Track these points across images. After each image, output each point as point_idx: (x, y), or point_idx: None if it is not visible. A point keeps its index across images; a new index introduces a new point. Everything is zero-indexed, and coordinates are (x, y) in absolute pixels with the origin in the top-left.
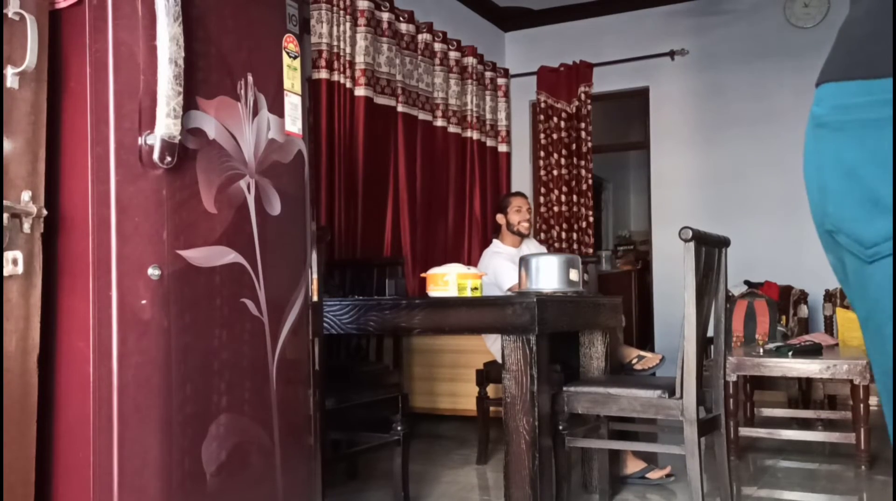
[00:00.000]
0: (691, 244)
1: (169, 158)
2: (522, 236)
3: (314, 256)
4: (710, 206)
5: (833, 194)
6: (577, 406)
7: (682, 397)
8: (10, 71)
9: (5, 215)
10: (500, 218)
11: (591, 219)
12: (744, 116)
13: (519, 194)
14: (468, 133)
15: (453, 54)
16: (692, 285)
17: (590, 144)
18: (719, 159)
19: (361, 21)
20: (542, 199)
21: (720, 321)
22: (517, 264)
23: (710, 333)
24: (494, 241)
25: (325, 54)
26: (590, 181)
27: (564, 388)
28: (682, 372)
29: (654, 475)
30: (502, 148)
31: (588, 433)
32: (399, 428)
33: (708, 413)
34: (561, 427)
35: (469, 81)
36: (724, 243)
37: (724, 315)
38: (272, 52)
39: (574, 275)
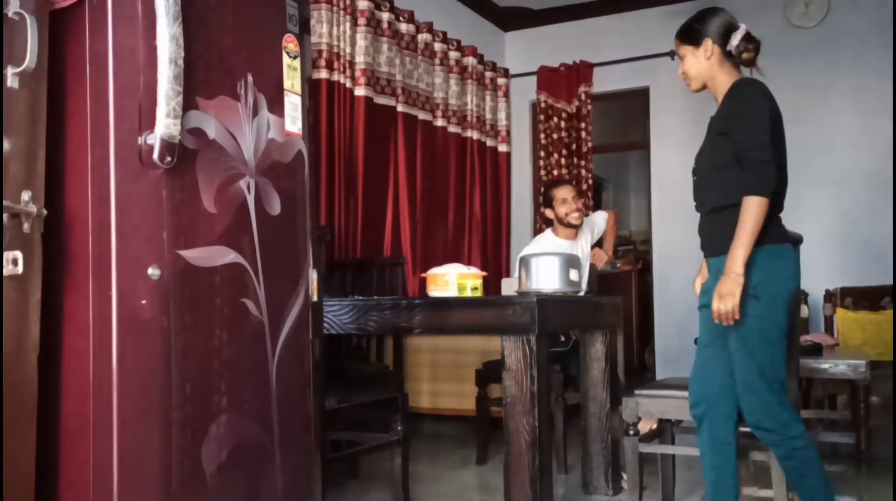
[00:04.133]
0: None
1: (169, 158)
2: (576, 228)
3: (314, 256)
4: None
5: None
6: (652, 411)
7: None
8: (10, 71)
9: (5, 215)
10: (548, 213)
11: None
12: None
13: (561, 182)
14: (468, 133)
15: (453, 54)
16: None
17: (590, 144)
18: None
19: (361, 21)
20: (542, 199)
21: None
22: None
23: None
24: (547, 231)
25: (325, 54)
26: (590, 181)
27: (637, 391)
28: None
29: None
30: (502, 148)
31: (651, 438)
32: (399, 428)
33: None
34: (632, 432)
35: (469, 81)
36: (800, 240)
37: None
38: (272, 53)
39: (574, 275)
